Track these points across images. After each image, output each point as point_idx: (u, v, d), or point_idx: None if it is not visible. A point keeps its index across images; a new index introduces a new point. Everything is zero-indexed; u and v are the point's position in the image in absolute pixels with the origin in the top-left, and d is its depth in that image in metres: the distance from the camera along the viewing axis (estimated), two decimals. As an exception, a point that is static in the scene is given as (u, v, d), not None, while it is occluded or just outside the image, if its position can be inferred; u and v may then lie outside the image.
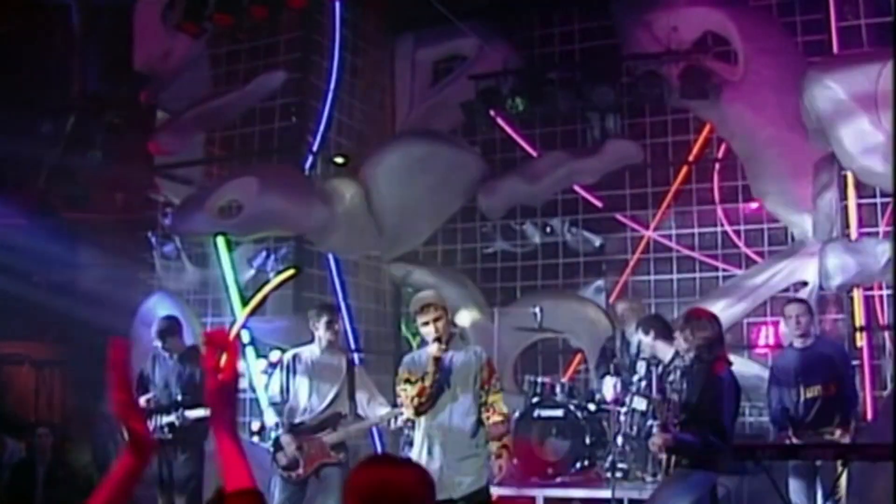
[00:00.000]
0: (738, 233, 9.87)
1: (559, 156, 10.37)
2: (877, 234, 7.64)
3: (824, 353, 6.62)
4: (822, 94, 7.29)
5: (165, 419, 7.23)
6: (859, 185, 7.59)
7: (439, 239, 11.02)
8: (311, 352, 6.74)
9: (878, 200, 7.74)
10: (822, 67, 7.38)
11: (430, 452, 5.52)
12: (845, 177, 7.65)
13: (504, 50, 10.62)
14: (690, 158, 10.23)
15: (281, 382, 6.64)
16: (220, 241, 9.48)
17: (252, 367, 9.29)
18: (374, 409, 6.67)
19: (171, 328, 7.65)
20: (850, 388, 6.54)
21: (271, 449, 6.56)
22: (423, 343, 5.93)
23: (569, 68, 10.38)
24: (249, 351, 9.32)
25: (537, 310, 8.71)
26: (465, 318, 10.41)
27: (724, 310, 9.43)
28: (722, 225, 9.95)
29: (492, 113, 10.03)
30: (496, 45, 10.66)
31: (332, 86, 10.07)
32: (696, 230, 10.07)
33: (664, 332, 6.79)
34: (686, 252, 10.06)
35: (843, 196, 7.78)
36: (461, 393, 5.47)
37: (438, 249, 11.13)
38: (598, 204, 10.55)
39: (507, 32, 10.88)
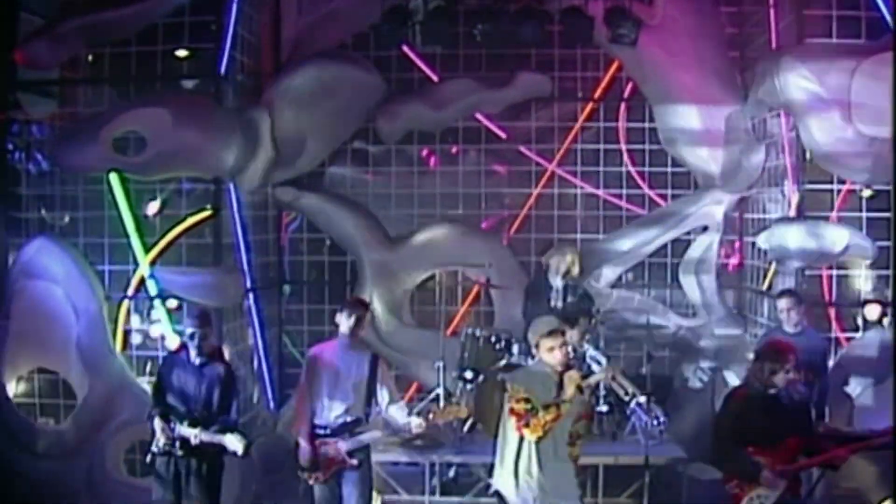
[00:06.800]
0: (642, 174, 10.10)
1: (467, 83, 9.98)
2: (827, 218, 8.11)
3: (810, 342, 7.10)
4: (796, 83, 7.49)
5: (182, 431, 6.04)
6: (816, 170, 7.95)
7: (327, 161, 10.29)
8: (332, 351, 6.32)
9: (834, 187, 8.20)
10: (799, 55, 7.55)
11: (529, 472, 5.55)
12: (803, 157, 7.99)
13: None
14: (597, 96, 10.19)
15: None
16: (114, 177, 8.28)
17: (165, 321, 8.44)
18: (395, 412, 6.36)
19: (207, 330, 6.25)
20: (825, 381, 7.11)
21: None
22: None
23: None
24: (158, 304, 8.41)
25: (487, 264, 8.63)
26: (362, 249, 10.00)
27: (628, 250, 9.91)
28: (626, 165, 10.13)
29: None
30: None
31: (237, -4, 8.83)
32: (601, 168, 10.16)
33: None
34: (590, 190, 10.17)
35: (801, 176, 8.13)
36: (565, 420, 5.55)
37: (326, 172, 10.41)
38: (502, 135, 10.32)
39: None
